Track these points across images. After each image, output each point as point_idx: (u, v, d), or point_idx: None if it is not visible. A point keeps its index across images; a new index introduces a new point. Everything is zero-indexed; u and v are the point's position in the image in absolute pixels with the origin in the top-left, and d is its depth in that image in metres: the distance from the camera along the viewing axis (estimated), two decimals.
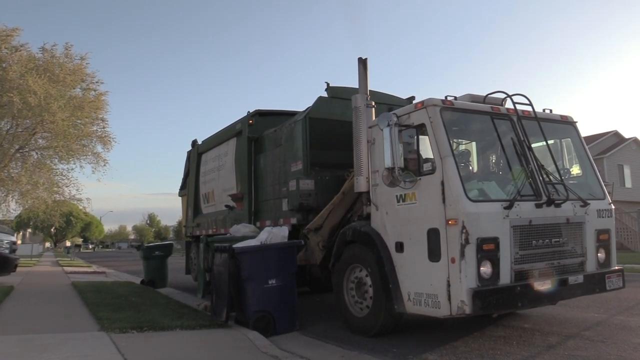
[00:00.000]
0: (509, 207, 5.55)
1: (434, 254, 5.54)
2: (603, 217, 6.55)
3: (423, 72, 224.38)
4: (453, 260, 5.31)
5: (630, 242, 27.65)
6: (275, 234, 7.40)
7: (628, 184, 37.09)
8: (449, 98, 6.09)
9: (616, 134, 38.92)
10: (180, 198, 16.33)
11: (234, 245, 7.11)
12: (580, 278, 6.04)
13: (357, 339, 6.39)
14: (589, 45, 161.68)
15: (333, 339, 6.43)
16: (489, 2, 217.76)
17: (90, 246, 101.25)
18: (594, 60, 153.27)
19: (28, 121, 20.09)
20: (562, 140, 7.12)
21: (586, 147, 7.10)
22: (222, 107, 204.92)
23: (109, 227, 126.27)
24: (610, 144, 37.52)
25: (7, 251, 12.53)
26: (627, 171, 37.31)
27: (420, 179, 5.81)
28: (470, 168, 6.61)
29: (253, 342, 5.96)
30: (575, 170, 7.09)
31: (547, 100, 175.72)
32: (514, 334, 6.40)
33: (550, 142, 6.95)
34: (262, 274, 6.94)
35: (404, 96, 9.65)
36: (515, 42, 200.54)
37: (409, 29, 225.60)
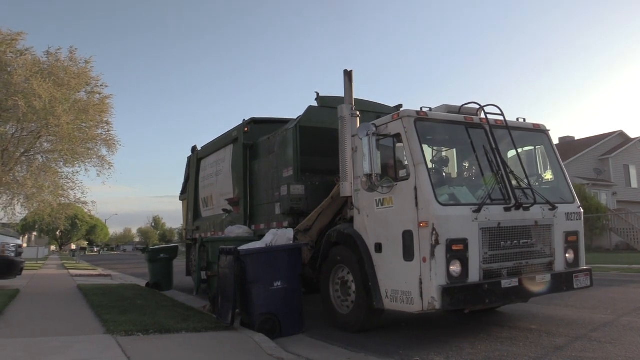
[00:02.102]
0: (477, 211, 6.00)
1: (408, 254, 5.97)
2: (572, 219, 6.96)
3: (433, 77, 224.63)
4: (424, 260, 5.74)
5: (637, 243, 27.51)
6: (280, 236, 7.44)
7: (634, 184, 37.21)
8: (424, 109, 6.54)
9: (621, 134, 38.98)
10: (181, 202, 16.80)
11: (239, 248, 7.17)
12: (548, 277, 6.45)
13: (362, 340, 6.44)
14: (595, 46, 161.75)
15: (339, 341, 6.46)
16: (499, 8, 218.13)
17: (96, 249, 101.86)
18: (602, 61, 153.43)
19: (33, 125, 20.25)
20: (536, 147, 7.53)
21: (557, 154, 7.51)
22: (224, 113, 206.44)
23: (114, 230, 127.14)
24: (616, 144, 37.64)
25: (13, 255, 12.76)
26: (633, 171, 37.42)
27: (396, 184, 6.25)
28: (444, 174, 7.05)
29: (259, 345, 5.99)
30: (548, 175, 7.51)
31: (554, 100, 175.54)
32: (521, 335, 6.48)
33: (526, 149, 7.41)
34: (268, 276, 6.98)
35: (392, 104, 10.09)
36: (523, 44, 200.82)
37: (411, 38, 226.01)
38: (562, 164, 7.54)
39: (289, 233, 7.52)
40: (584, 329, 6.84)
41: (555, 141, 39.73)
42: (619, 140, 38.39)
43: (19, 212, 24.00)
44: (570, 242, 6.90)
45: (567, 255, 6.85)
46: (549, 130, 7.59)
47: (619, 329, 6.77)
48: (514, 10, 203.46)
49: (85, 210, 26.91)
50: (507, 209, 6.27)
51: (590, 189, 31.16)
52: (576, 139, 40.85)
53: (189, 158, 14.96)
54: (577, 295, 9.42)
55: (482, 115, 6.96)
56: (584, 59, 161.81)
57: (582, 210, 7.20)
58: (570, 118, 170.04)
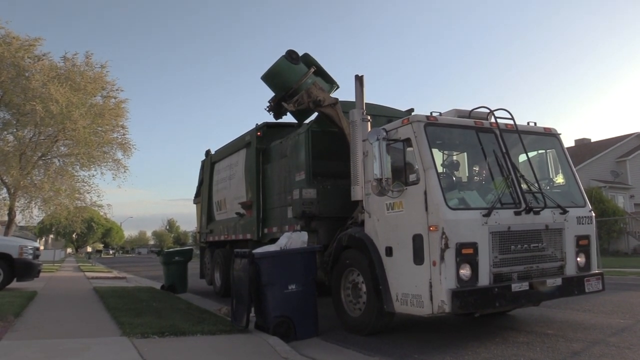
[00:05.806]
0: (487, 215, 6.03)
1: (418, 257, 6.02)
2: (583, 223, 6.95)
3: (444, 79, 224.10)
4: (434, 264, 5.79)
5: None
6: (295, 239, 7.47)
7: None
8: (434, 114, 6.59)
9: (639, 136, 38.52)
10: (195, 205, 16.97)
11: (254, 251, 7.20)
12: (558, 281, 6.45)
13: (377, 344, 6.47)
14: (611, 48, 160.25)
15: (353, 344, 6.50)
16: (515, 8, 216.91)
17: (111, 252, 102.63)
18: (618, 62, 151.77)
19: (50, 129, 20.61)
20: (547, 151, 7.54)
21: (569, 157, 7.51)
22: (238, 116, 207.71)
23: (129, 232, 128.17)
24: (634, 145, 36.78)
25: (30, 257, 13.04)
26: None
27: (406, 188, 6.31)
28: (454, 178, 7.09)
29: (273, 348, 6.02)
30: (559, 179, 7.51)
31: (568, 101, 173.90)
32: (537, 339, 6.43)
33: (536, 153, 7.42)
34: (282, 279, 7.00)
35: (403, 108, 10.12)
36: (536, 46, 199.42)
37: (424, 38, 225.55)
38: (574, 167, 7.53)
39: (304, 236, 7.56)
40: (601, 333, 6.77)
41: (572, 143, 39.06)
42: (637, 142, 37.68)
43: (36, 215, 24.40)
44: (582, 245, 6.89)
45: (578, 259, 6.84)
46: (560, 134, 7.59)
47: (637, 334, 6.70)
48: (526, 9, 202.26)
49: (101, 213, 27.34)
50: (517, 213, 6.29)
51: (607, 192, 30.76)
52: (592, 141, 40.40)
53: (203, 162, 15.11)
54: (594, 299, 9.36)
55: (492, 120, 6.98)
56: (598, 58, 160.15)
57: (594, 214, 7.19)
58: (586, 120, 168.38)
